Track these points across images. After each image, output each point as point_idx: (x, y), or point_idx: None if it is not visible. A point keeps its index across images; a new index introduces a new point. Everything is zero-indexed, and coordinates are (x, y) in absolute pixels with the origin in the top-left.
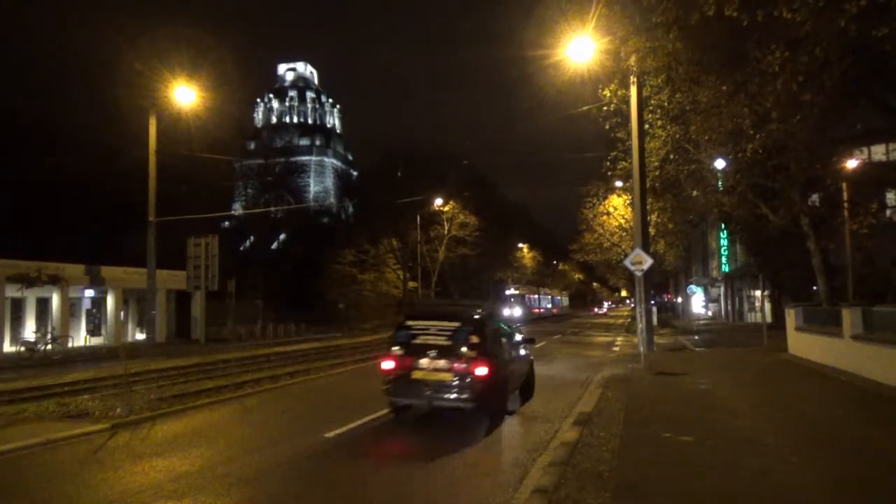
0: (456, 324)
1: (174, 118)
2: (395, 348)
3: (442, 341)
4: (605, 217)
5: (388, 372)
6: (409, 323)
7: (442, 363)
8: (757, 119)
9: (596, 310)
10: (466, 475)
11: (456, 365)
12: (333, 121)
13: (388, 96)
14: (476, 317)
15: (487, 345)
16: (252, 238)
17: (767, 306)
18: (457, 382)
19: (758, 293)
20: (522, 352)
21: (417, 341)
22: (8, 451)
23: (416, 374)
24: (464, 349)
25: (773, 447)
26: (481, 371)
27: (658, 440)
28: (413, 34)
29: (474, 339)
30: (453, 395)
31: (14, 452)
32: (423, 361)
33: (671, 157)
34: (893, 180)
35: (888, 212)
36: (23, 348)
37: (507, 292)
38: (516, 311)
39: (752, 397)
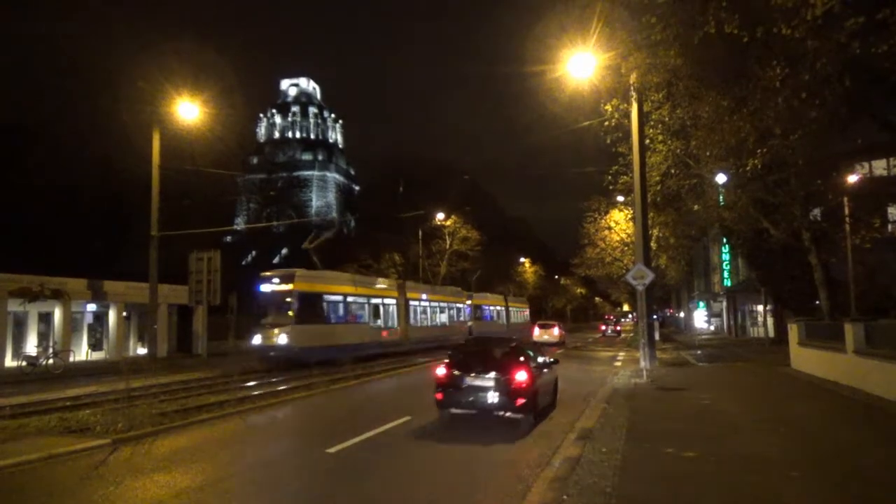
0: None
1: (177, 133)
2: (603, 325)
3: (612, 325)
4: (606, 231)
5: (602, 331)
6: (606, 317)
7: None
8: (758, 134)
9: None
10: (469, 491)
11: (612, 328)
12: (335, 136)
13: (390, 111)
14: (621, 318)
15: (620, 325)
16: (254, 252)
17: (769, 321)
18: (612, 331)
19: (760, 308)
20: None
21: (609, 322)
22: (9, 466)
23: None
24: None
25: (776, 463)
26: (618, 328)
27: (661, 456)
28: (415, 50)
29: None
30: (612, 333)
31: (16, 467)
32: (611, 328)
33: (672, 171)
34: (894, 195)
35: (889, 226)
36: (24, 363)
37: (266, 288)
38: (287, 338)
39: (755, 412)
